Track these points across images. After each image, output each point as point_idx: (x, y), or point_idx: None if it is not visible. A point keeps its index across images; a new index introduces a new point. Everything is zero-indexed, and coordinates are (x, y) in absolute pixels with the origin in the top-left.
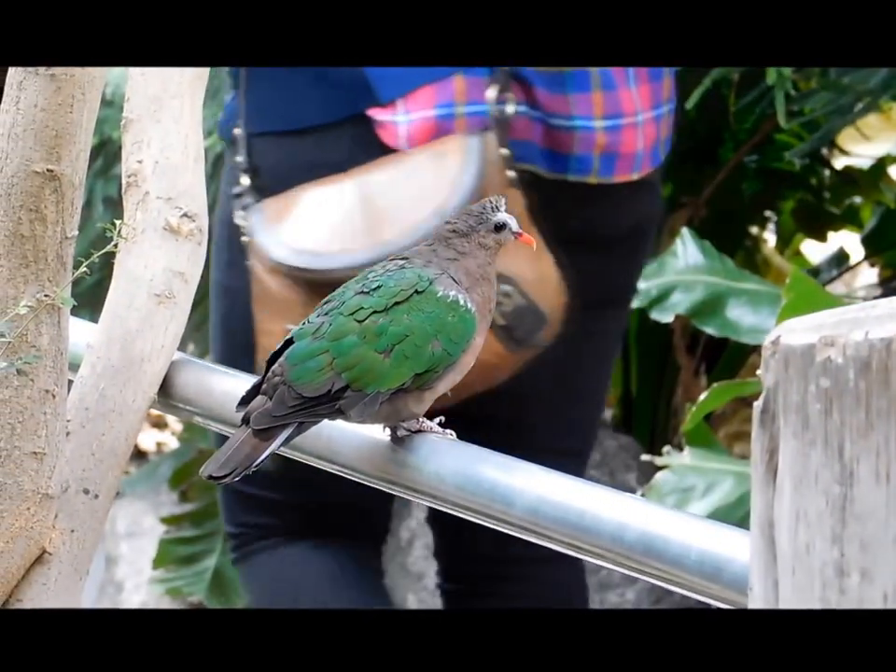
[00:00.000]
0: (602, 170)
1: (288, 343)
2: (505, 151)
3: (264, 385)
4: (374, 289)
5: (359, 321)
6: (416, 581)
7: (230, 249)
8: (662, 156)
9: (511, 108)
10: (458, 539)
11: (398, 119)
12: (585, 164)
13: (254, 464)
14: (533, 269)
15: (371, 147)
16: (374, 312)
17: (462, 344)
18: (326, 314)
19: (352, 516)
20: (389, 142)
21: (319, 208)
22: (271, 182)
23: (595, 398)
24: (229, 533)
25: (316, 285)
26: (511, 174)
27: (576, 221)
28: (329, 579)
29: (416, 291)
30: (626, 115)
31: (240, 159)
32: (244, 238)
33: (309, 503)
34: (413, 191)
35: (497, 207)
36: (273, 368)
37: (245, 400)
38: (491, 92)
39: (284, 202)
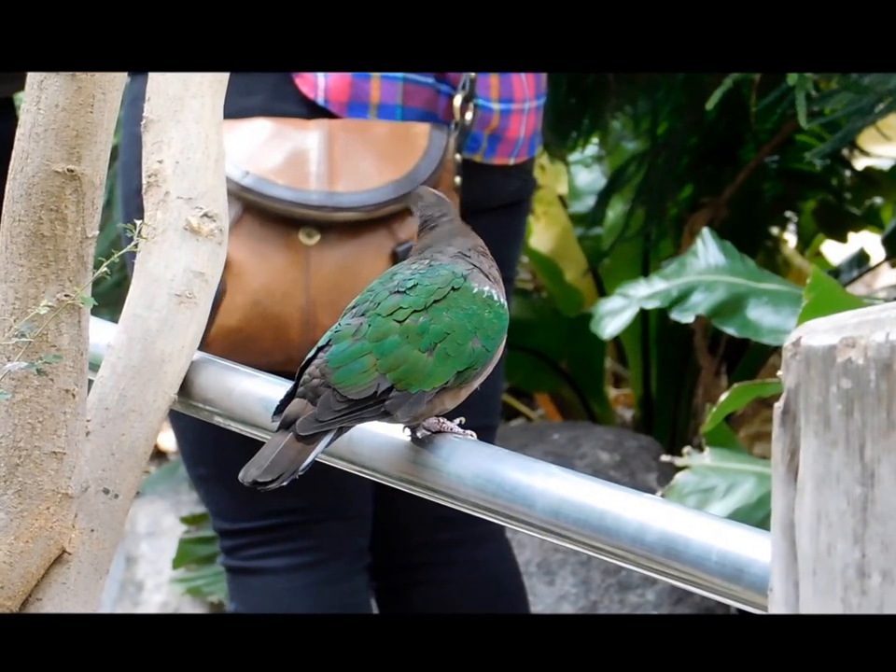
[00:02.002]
0: (487, 150)
1: (320, 347)
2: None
3: (300, 388)
4: (410, 288)
5: (399, 321)
6: None
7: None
8: (537, 147)
9: (457, 99)
10: (388, 532)
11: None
12: (476, 143)
13: (300, 468)
14: None
15: (288, 96)
16: (414, 311)
17: (497, 340)
18: (361, 315)
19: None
20: (307, 93)
21: (274, 140)
22: None
23: (502, 372)
24: (225, 531)
25: (243, 206)
26: (458, 158)
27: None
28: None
29: (453, 288)
30: (516, 101)
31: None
32: None
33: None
34: (374, 158)
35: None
36: (310, 370)
37: (280, 409)
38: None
39: (235, 124)
